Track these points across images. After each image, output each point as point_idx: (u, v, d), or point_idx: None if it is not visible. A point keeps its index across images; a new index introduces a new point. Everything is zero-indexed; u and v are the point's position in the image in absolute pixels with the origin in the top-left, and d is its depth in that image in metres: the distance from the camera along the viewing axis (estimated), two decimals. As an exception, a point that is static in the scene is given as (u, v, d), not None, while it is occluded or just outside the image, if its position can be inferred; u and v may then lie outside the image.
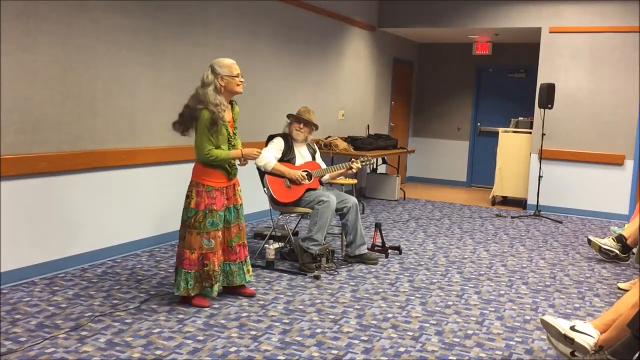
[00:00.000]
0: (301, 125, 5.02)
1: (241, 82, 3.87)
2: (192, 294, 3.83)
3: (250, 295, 4.11)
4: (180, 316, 3.70)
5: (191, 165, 3.90)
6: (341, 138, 7.85)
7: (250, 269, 4.14)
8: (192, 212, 3.81)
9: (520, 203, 8.59)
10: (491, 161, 9.40)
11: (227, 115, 3.87)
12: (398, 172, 9.06)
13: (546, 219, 7.64)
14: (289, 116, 5.17)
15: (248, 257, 4.11)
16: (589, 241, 5.66)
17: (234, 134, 3.94)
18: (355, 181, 6.65)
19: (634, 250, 5.45)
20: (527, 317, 3.96)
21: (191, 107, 3.81)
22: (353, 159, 5.11)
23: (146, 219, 5.26)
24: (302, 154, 5.06)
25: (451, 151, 10.70)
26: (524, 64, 9.98)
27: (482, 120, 10.46)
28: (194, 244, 3.80)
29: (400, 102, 10.42)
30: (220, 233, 3.86)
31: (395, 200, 8.60)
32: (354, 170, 5.07)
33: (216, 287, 3.87)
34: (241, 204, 4.03)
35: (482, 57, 10.23)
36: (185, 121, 3.85)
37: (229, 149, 3.88)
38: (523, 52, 9.95)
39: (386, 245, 5.47)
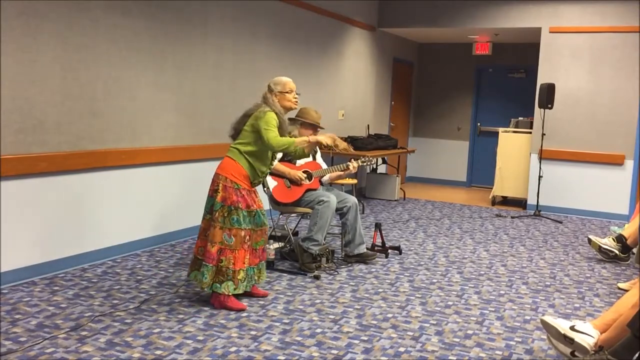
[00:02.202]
0: (313, 133, 5.00)
1: (295, 98, 4.07)
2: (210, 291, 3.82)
3: (263, 296, 4.12)
4: (180, 316, 3.70)
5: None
6: (341, 138, 7.85)
7: (259, 276, 4.05)
8: (217, 205, 3.83)
9: (520, 203, 8.59)
10: (491, 161, 9.40)
11: None
12: (398, 172, 9.06)
13: (546, 219, 7.64)
14: (295, 120, 5.04)
15: (264, 262, 4.07)
16: (589, 241, 5.66)
17: None
18: (355, 181, 6.65)
19: (634, 250, 5.45)
20: (527, 317, 3.96)
21: (249, 115, 3.95)
22: (352, 159, 5.08)
23: (146, 219, 5.26)
24: (302, 154, 5.05)
25: (451, 151, 10.70)
26: (524, 64, 9.98)
27: (482, 120, 10.46)
28: (215, 237, 3.80)
29: (400, 102, 10.42)
30: (243, 233, 3.83)
31: (395, 200, 8.60)
32: (352, 171, 5.03)
33: (229, 286, 3.77)
34: (263, 209, 4.01)
35: (482, 57, 10.23)
36: (240, 125, 3.99)
37: (271, 161, 4.05)
38: (523, 52, 9.95)
39: (386, 245, 5.47)
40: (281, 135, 3.94)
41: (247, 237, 3.86)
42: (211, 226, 3.84)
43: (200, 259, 3.90)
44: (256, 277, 4.01)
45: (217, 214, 3.83)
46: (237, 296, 3.94)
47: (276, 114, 3.92)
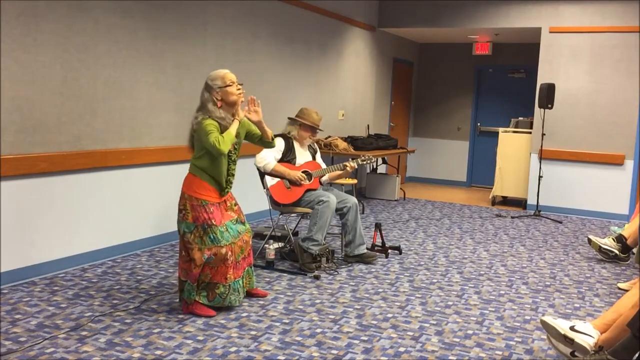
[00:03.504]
0: (312, 134, 5.00)
1: (238, 90, 3.68)
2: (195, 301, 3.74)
3: (262, 296, 4.10)
4: (180, 316, 3.69)
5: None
6: (341, 138, 7.85)
7: (248, 281, 3.97)
8: (191, 227, 3.65)
9: (520, 203, 8.59)
10: (491, 161, 9.40)
11: None
12: (398, 172, 9.06)
13: (546, 219, 7.64)
14: (294, 120, 5.04)
15: (249, 268, 3.96)
16: (589, 241, 5.66)
17: (235, 149, 3.79)
18: (355, 181, 6.64)
19: (634, 250, 5.45)
20: (527, 317, 3.96)
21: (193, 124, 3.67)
22: (350, 159, 5.06)
23: (146, 219, 5.26)
24: (302, 155, 5.05)
25: (451, 151, 10.71)
26: (524, 64, 9.98)
27: (482, 120, 10.46)
28: (197, 260, 3.64)
29: (400, 102, 10.42)
30: (224, 250, 3.66)
31: (395, 200, 8.60)
32: (350, 170, 5.01)
33: (202, 295, 3.70)
34: (237, 218, 3.85)
35: (482, 57, 10.24)
36: (191, 139, 3.73)
37: (228, 164, 3.75)
38: (523, 52, 9.95)
39: (386, 245, 5.47)
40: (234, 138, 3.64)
41: (230, 253, 3.70)
42: (189, 249, 3.67)
43: (184, 280, 3.74)
44: (251, 284, 3.94)
45: (192, 235, 3.64)
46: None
47: (214, 119, 3.57)
